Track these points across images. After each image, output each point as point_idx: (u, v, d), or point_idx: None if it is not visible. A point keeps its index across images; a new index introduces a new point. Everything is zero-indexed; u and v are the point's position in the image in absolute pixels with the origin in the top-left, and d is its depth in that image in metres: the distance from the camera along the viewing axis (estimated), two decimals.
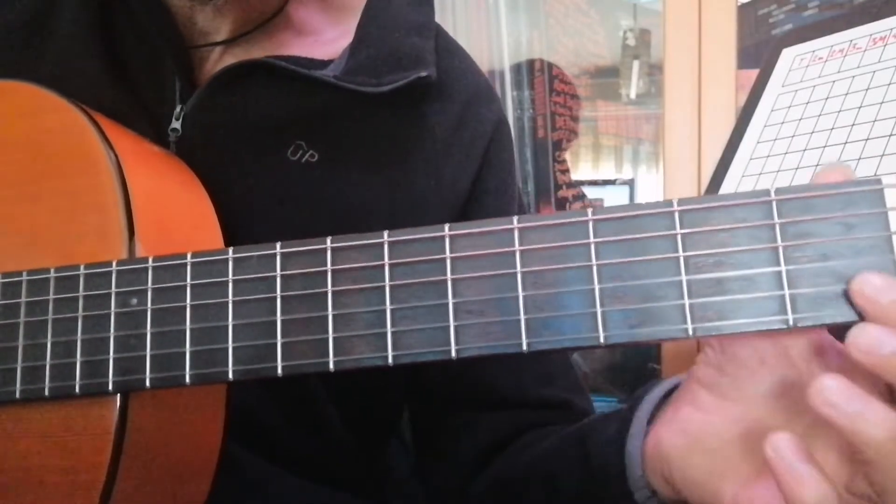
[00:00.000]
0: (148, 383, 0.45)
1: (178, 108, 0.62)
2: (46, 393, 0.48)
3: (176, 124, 0.61)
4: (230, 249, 0.44)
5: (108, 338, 0.46)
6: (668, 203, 0.35)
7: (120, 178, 0.51)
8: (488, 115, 0.73)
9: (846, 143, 0.75)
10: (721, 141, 0.95)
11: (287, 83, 0.61)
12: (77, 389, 0.47)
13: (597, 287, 0.35)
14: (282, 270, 0.41)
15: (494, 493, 0.66)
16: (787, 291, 0.33)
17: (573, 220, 0.36)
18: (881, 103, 0.74)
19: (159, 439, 0.49)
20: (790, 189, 0.34)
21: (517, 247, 0.36)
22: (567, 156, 1.56)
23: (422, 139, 0.67)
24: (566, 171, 1.53)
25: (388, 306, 0.38)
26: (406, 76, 0.63)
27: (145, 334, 0.45)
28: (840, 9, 1.27)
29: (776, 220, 0.34)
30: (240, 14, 0.63)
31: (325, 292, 0.40)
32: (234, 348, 0.42)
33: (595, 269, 0.35)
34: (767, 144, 0.84)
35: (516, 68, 1.60)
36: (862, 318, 0.32)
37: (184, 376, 0.43)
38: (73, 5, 0.63)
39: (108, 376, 0.46)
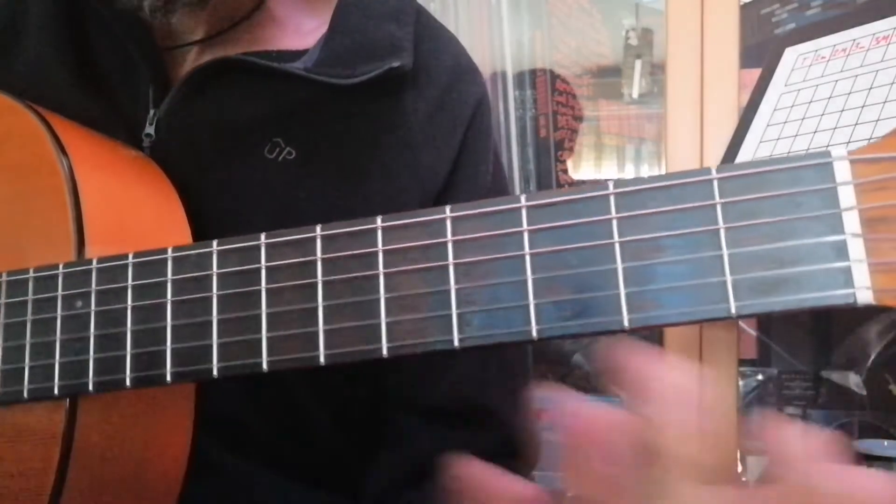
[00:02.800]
0: (91, 387, 0.43)
1: (151, 113, 0.60)
2: None
3: (150, 129, 0.59)
4: (169, 248, 0.41)
5: (55, 341, 0.44)
6: (604, 186, 0.32)
7: (71, 182, 0.49)
8: (468, 98, 0.69)
9: (849, 142, 0.73)
10: (724, 140, 0.93)
11: (260, 80, 0.59)
12: (25, 394, 0.45)
13: (529, 278, 0.32)
14: (218, 269, 0.39)
15: None
16: (728, 277, 0.30)
17: (506, 206, 0.33)
18: (884, 102, 0.72)
19: (113, 445, 0.47)
20: (733, 167, 0.31)
21: (449, 237, 0.33)
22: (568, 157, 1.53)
23: (399, 128, 0.64)
24: (567, 171, 1.50)
25: (321, 303, 0.35)
26: (379, 66, 0.60)
27: (89, 337, 0.43)
28: (843, 8, 1.24)
29: (717, 199, 0.31)
30: (214, 13, 0.62)
31: (259, 290, 0.37)
32: (172, 349, 0.40)
33: (528, 258, 0.32)
34: (770, 144, 0.83)
35: (518, 67, 1.57)
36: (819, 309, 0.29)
37: (124, 379, 0.41)
38: (39, 10, 0.62)
39: (53, 380, 0.44)
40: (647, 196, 0.31)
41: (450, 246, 0.33)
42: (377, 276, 0.34)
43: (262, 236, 0.38)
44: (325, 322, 0.35)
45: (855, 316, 1.00)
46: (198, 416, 0.52)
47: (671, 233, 0.30)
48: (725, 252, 0.30)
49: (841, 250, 0.29)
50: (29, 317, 0.46)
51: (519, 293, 0.32)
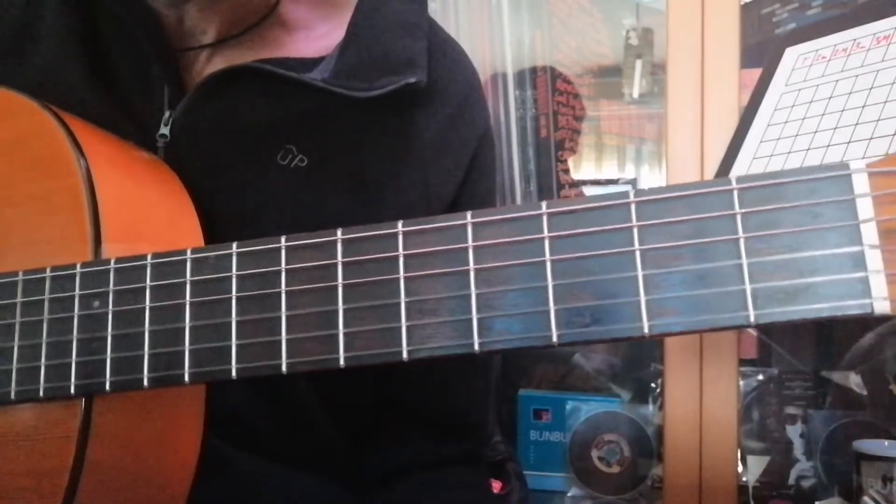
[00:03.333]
0: (108, 387, 0.43)
1: (166, 114, 0.60)
2: (13, 396, 0.46)
3: (164, 130, 0.60)
4: (188, 250, 0.42)
5: (72, 341, 0.44)
6: (625, 195, 0.32)
7: (88, 182, 0.49)
8: (477, 121, 0.71)
9: (850, 142, 0.73)
10: (724, 140, 0.93)
11: (275, 87, 0.60)
12: (41, 393, 0.45)
13: (550, 284, 0.32)
14: (237, 270, 0.39)
15: None
16: (748, 286, 0.30)
17: (527, 213, 0.33)
18: (885, 102, 0.71)
19: (126, 444, 0.47)
20: (753, 177, 0.31)
21: (470, 243, 0.33)
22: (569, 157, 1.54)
23: (410, 143, 0.65)
24: (568, 172, 1.50)
25: (341, 306, 0.36)
26: (395, 81, 0.61)
27: (106, 337, 0.43)
28: (843, 8, 1.24)
29: (737, 209, 0.31)
30: (227, 15, 0.62)
31: (279, 292, 0.37)
32: (190, 350, 0.40)
33: (549, 264, 0.32)
34: (771, 144, 0.82)
35: (519, 67, 1.57)
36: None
37: (142, 379, 0.41)
38: (54, 12, 0.62)
39: (70, 380, 0.44)
40: (667, 205, 0.31)
41: (470, 251, 0.33)
42: (398, 280, 0.35)
43: (283, 239, 0.38)
44: (346, 325, 0.35)
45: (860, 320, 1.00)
46: (208, 414, 0.52)
47: (691, 241, 0.31)
48: (745, 261, 0.30)
49: (859, 261, 0.30)
50: (45, 316, 0.46)
51: (539, 299, 0.32)
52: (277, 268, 0.38)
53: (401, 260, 0.35)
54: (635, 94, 1.63)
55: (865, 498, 0.96)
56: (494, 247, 0.33)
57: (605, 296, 0.31)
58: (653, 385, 1.23)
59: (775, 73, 0.90)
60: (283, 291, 0.37)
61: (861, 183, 0.30)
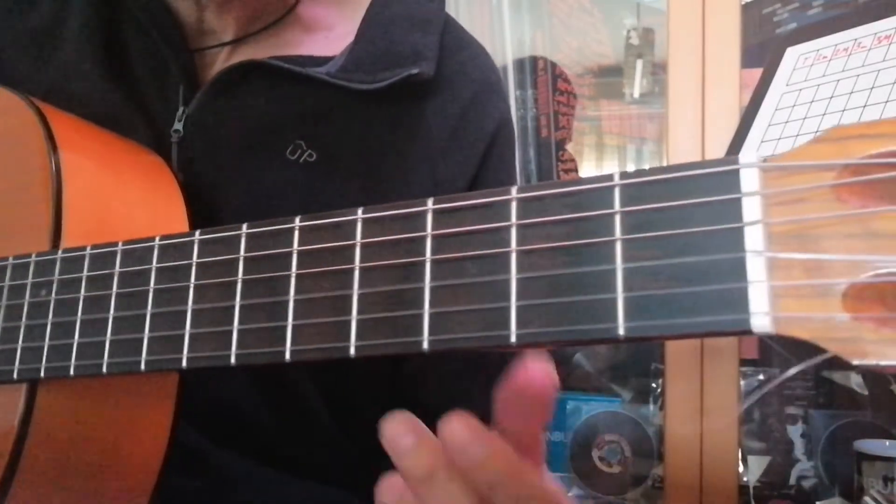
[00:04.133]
0: (42, 373, 0.43)
1: (180, 110, 0.61)
2: None
3: (178, 125, 0.61)
4: (120, 242, 0.42)
5: (19, 327, 0.45)
6: (507, 190, 0.29)
7: (56, 176, 0.50)
8: (493, 114, 0.69)
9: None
10: (725, 140, 0.93)
11: (285, 83, 0.60)
12: None
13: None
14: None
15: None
16: (620, 294, 0.27)
17: (412, 210, 0.31)
18: (886, 102, 0.70)
19: (75, 428, 0.47)
20: (637, 172, 0.27)
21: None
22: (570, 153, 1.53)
23: (419, 138, 0.65)
24: (570, 171, 1.49)
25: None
26: (398, 73, 0.61)
27: (46, 324, 0.44)
28: (844, 7, 1.23)
29: (617, 208, 0.27)
30: (246, 13, 0.63)
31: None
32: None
33: (428, 264, 0.30)
34: (771, 144, 0.82)
35: (519, 66, 1.57)
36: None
37: (68, 367, 0.42)
38: (80, 12, 0.64)
39: (14, 364, 0.45)
40: (548, 202, 0.28)
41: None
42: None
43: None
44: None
45: None
46: (179, 407, 0.51)
47: (564, 243, 0.27)
48: (619, 266, 0.27)
49: (739, 270, 0.25)
50: (4, 302, 0.47)
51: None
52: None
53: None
54: (636, 94, 1.62)
55: (866, 498, 0.96)
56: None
57: (479, 301, 0.29)
58: (654, 385, 1.22)
59: (776, 73, 0.89)
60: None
61: (750, 180, 0.26)
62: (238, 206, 0.60)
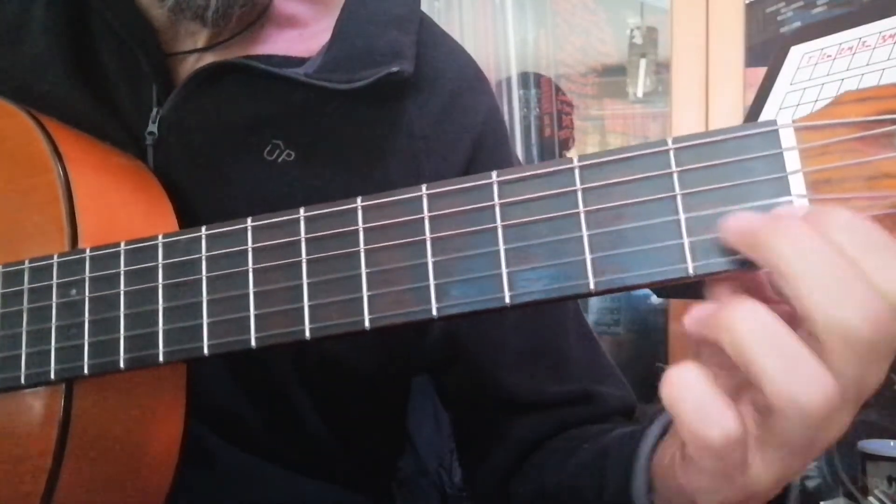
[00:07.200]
0: (86, 370, 0.46)
1: (153, 111, 0.62)
2: None
3: (152, 127, 0.62)
4: (160, 235, 0.45)
5: (50, 328, 0.47)
6: (569, 160, 0.35)
7: (65, 180, 0.52)
8: (476, 107, 0.71)
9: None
10: None
11: (261, 82, 0.62)
12: (22, 380, 0.48)
13: (502, 248, 0.35)
14: (207, 252, 0.42)
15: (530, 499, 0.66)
16: (685, 240, 0.33)
17: (479, 182, 0.36)
18: None
19: (109, 425, 0.50)
20: (687, 137, 0.34)
21: (426, 213, 0.36)
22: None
23: (399, 136, 0.67)
24: None
25: (305, 280, 0.38)
26: (377, 72, 0.63)
27: (83, 322, 0.46)
28: (849, 6, 1.26)
29: (673, 168, 0.34)
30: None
31: (247, 270, 0.40)
32: (164, 331, 0.43)
33: (500, 230, 0.35)
34: None
35: (524, 76, 1.60)
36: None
37: (118, 361, 0.44)
38: (42, 11, 0.64)
39: (49, 365, 0.47)
40: (609, 167, 0.34)
41: (426, 221, 0.36)
42: (358, 252, 0.37)
43: (249, 220, 0.41)
44: (311, 298, 0.38)
45: None
46: (189, 402, 0.54)
47: (631, 200, 0.33)
48: (682, 216, 0.33)
49: (791, 211, 0.32)
50: (25, 306, 0.49)
51: (492, 263, 0.35)
52: (244, 247, 0.41)
53: (361, 233, 0.38)
54: (639, 93, 1.65)
55: (871, 498, 0.97)
56: (450, 216, 0.36)
57: (553, 256, 0.34)
58: (657, 385, 1.24)
59: (780, 72, 0.91)
60: (251, 269, 0.40)
61: (788, 137, 0.33)
62: (216, 206, 0.61)
